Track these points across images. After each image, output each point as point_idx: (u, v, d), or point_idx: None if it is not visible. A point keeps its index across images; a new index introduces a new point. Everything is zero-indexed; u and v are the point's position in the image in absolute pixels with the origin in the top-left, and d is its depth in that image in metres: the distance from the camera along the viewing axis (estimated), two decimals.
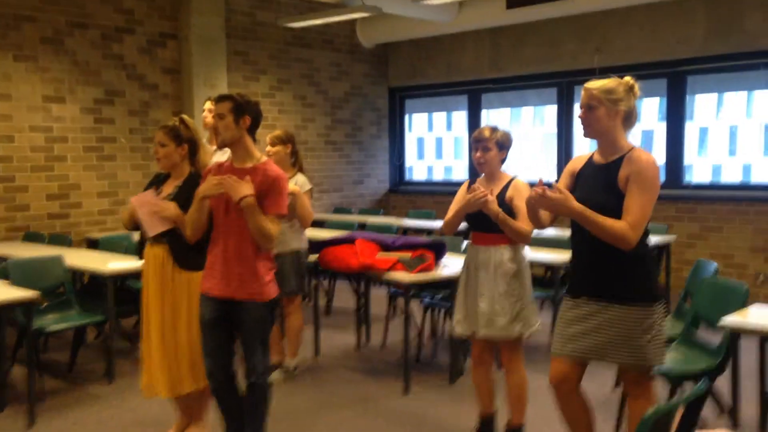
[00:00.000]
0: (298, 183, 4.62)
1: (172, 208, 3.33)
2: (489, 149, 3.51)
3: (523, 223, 3.39)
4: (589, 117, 2.80)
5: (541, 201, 2.74)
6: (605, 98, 2.76)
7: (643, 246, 2.78)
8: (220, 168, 3.22)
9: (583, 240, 2.86)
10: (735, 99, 7.43)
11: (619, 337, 2.76)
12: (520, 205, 3.41)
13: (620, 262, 2.76)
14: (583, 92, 2.82)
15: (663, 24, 7.41)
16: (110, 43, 7.09)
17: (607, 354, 2.80)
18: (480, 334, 3.49)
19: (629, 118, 2.82)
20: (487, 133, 3.52)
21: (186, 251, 3.37)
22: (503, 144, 3.55)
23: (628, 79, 2.82)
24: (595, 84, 2.80)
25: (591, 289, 2.83)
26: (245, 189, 2.98)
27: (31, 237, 6.40)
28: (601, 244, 2.76)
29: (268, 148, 4.68)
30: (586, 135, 2.86)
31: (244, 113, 3.12)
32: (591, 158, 2.91)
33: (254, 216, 3.00)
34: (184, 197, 3.35)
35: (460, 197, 3.59)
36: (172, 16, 7.54)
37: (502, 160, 3.58)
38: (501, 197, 3.46)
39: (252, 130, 3.18)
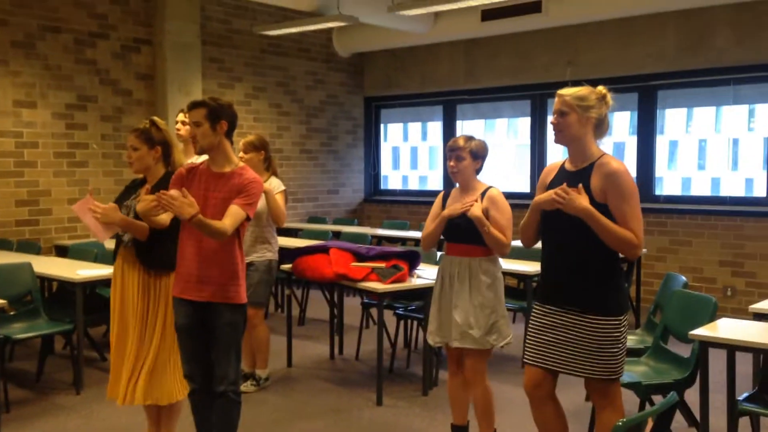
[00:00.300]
0: (271, 185, 4.61)
1: (110, 213, 3.24)
2: (463, 158, 3.53)
3: (506, 237, 3.42)
4: (560, 123, 2.84)
5: (551, 203, 2.75)
6: (577, 105, 2.81)
7: (615, 258, 2.83)
8: (192, 171, 3.18)
9: (555, 248, 2.90)
10: (704, 114, 7.57)
11: (588, 349, 2.80)
12: (497, 216, 3.43)
13: (594, 272, 2.80)
14: (556, 98, 2.87)
15: (634, 39, 7.53)
16: (83, 47, 7.01)
17: (576, 367, 2.83)
18: (453, 345, 3.50)
19: (600, 126, 2.87)
20: (461, 142, 3.54)
21: (150, 251, 3.33)
22: (477, 153, 3.55)
23: (600, 88, 2.88)
24: (568, 91, 2.85)
25: (562, 298, 2.86)
26: (190, 208, 2.86)
27: None
28: (576, 253, 2.80)
29: (241, 154, 4.66)
30: (557, 141, 2.91)
31: (219, 118, 3.09)
32: (562, 166, 2.96)
33: (205, 228, 2.93)
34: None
35: (437, 210, 3.61)
36: (147, 22, 7.48)
37: (477, 170, 3.59)
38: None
39: (229, 134, 3.16)
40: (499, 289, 3.53)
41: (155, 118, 3.54)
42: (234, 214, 3.01)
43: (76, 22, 6.94)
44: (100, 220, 3.24)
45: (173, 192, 2.93)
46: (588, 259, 2.80)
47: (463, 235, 3.45)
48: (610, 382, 2.86)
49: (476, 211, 3.38)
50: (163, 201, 2.86)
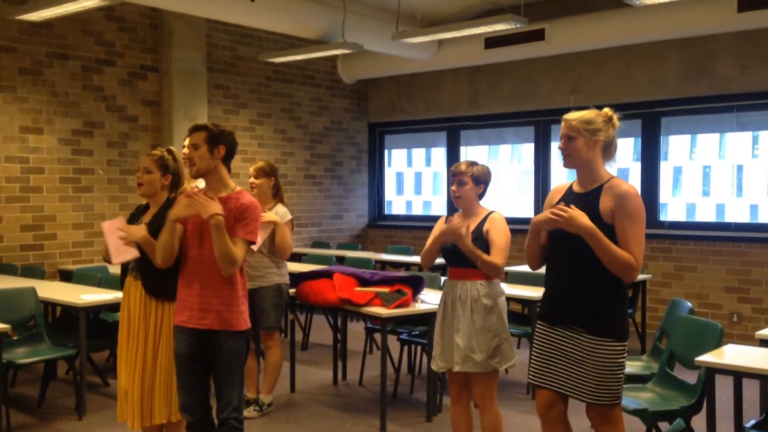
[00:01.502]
0: (278, 213, 4.61)
1: (136, 232, 3.25)
2: (465, 183, 3.54)
3: (496, 256, 3.42)
4: (568, 147, 2.85)
5: (549, 222, 2.75)
6: (583, 128, 2.82)
7: (620, 282, 2.82)
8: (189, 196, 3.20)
9: (562, 268, 2.89)
10: (708, 140, 7.59)
11: (593, 373, 2.79)
12: (496, 238, 3.44)
13: (600, 293, 2.80)
14: (562, 123, 2.88)
15: (637, 66, 7.58)
16: (90, 74, 7.08)
17: (582, 392, 2.81)
18: (455, 369, 3.48)
19: (608, 149, 2.87)
20: (463, 167, 3.56)
21: (156, 279, 3.33)
22: (479, 178, 3.56)
23: (606, 110, 2.89)
24: (574, 115, 2.86)
25: (567, 318, 2.86)
26: (214, 207, 2.94)
27: (3, 269, 6.29)
28: (582, 274, 2.81)
29: (252, 179, 4.67)
30: (565, 165, 2.91)
31: (218, 143, 3.11)
32: (570, 187, 2.96)
33: (221, 237, 2.94)
34: (158, 222, 3.31)
35: (437, 232, 3.61)
36: (154, 49, 7.56)
37: (480, 195, 3.60)
38: (478, 231, 3.48)
39: (227, 159, 3.17)
40: (502, 312, 3.51)
41: (173, 148, 3.59)
42: (240, 245, 3.03)
43: (83, 49, 7.03)
44: (128, 238, 3.25)
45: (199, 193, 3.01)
46: (592, 281, 2.80)
47: (463, 259, 3.45)
48: (614, 406, 2.84)
49: (465, 240, 3.36)
50: (194, 200, 2.94)
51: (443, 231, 3.45)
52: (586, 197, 2.83)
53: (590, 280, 2.80)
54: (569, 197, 2.91)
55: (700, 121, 7.45)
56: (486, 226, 3.48)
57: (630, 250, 2.72)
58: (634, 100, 7.57)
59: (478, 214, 3.57)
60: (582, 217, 2.71)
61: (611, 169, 2.92)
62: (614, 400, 2.81)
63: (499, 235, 3.47)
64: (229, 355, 3.08)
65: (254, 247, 3.25)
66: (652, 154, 7.62)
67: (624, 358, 2.82)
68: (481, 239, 3.45)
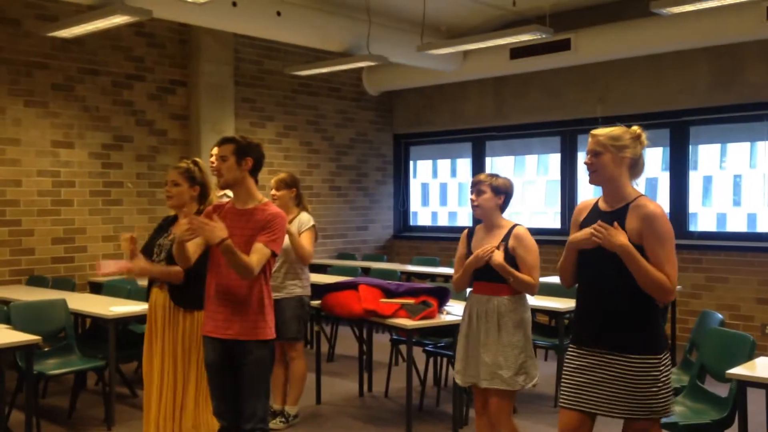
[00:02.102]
0: (301, 221, 4.63)
1: (143, 272, 3.39)
2: (483, 192, 3.52)
3: (530, 275, 3.39)
4: (595, 163, 2.82)
5: (590, 242, 2.73)
6: (611, 145, 2.79)
7: (654, 301, 2.77)
8: (218, 209, 3.24)
9: (590, 287, 2.86)
10: (738, 149, 7.47)
11: (627, 389, 2.73)
12: (524, 256, 3.41)
13: (630, 311, 2.75)
14: (590, 138, 2.86)
15: (665, 75, 7.51)
16: (120, 89, 7.20)
17: (614, 408, 2.76)
18: (483, 385, 3.45)
19: (635, 166, 2.84)
20: (482, 177, 3.55)
21: (180, 289, 3.38)
22: (499, 189, 3.52)
23: (635, 128, 2.86)
24: (602, 131, 2.83)
25: (597, 339, 2.81)
26: (219, 232, 2.93)
27: (35, 281, 6.40)
28: (612, 292, 2.77)
29: (273, 191, 4.71)
30: (591, 181, 2.88)
31: (246, 155, 3.15)
32: (596, 205, 2.93)
33: (233, 257, 2.96)
34: None
35: (462, 252, 3.59)
36: (182, 64, 7.68)
37: (501, 207, 3.55)
38: (504, 246, 3.45)
39: (254, 171, 3.21)
40: (527, 329, 3.48)
41: (198, 159, 3.63)
42: (259, 250, 3.04)
43: (114, 65, 7.15)
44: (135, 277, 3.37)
45: (203, 218, 3.02)
46: (624, 298, 2.75)
47: (490, 274, 3.43)
48: (652, 422, 2.78)
49: (498, 258, 3.36)
50: (194, 224, 2.94)
51: (472, 260, 3.44)
52: (614, 216, 2.79)
53: (618, 298, 2.75)
54: (595, 215, 2.88)
55: (730, 129, 7.34)
56: (512, 243, 3.44)
57: (664, 271, 2.69)
58: (663, 109, 7.49)
59: (501, 226, 3.54)
60: (621, 235, 2.69)
61: (638, 186, 2.89)
62: (649, 414, 2.74)
63: (528, 253, 3.43)
64: (254, 365, 3.10)
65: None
66: (681, 163, 7.52)
67: (660, 371, 2.73)
68: (508, 256, 3.43)
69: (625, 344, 2.74)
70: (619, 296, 2.76)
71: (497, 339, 3.41)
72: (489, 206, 3.53)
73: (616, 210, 2.81)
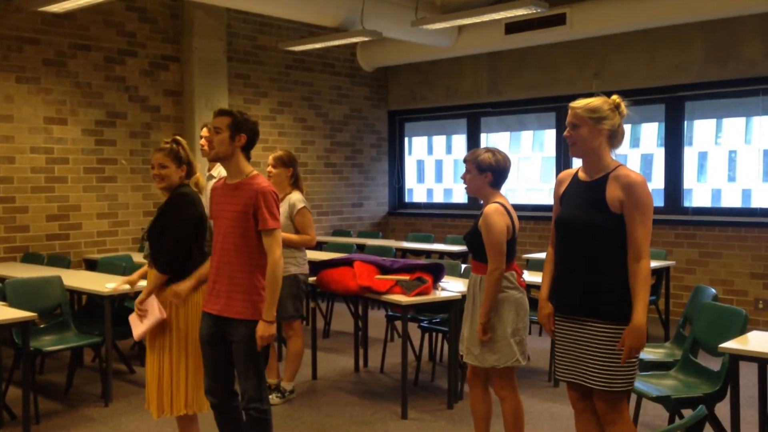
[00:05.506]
0: (291, 202, 4.61)
1: (178, 297, 3.36)
2: (468, 171, 3.51)
3: (489, 259, 3.35)
4: (573, 135, 2.83)
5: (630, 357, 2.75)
6: (588, 117, 2.79)
7: (625, 266, 2.78)
8: (216, 187, 3.29)
9: (568, 257, 2.89)
10: (733, 125, 7.47)
11: (603, 358, 2.78)
12: (484, 235, 3.37)
13: (607, 280, 2.78)
14: (569, 111, 2.85)
15: (661, 50, 7.47)
16: (113, 65, 7.14)
17: (594, 378, 2.80)
18: (463, 360, 3.55)
19: (614, 137, 2.84)
20: (468, 155, 3.52)
21: (161, 257, 3.40)
22: (482, 166, 3.42)
23: (614, 97, 2.85)
24: (580, 103, 2.83)
25: (577, 306, 2.86)
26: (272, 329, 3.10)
27: (30, 258, 6.39)
28: (588, 263, 2.81)
29: (269, 168, 4.68)
30: (572, 154, 2.90)
31: (240, 130, 3.13)
32: (575, 176, 2.94)
33: (274, 290, 3.13)
34: (170, 210, 3.39)
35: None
36: (175, 39, 7.60)
37: (492, 184, 3.46)
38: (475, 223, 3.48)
39: (246, 148, 3.19)
40: (505, 310, 3.39)
41: (178, 137, 3.59)
42: (271, 237, 3.08)
43: (105, 40, 7.08)
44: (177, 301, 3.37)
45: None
46: (598, 266, 2.78)
47: (476, 251, 3.47)
48: (621, 395, 2.82)
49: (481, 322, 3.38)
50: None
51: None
52: (593, 186, 2.82)
53: (594, 267, 2.79)
54: (575, 186, 2.90)
55: (726, 105, 7.33)
56: (480, 221, 3.41)
57: (636, 235, 2.71)
58: (658, 84, 7.47)
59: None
60: (639, 332, 2.68)
61: (628, 159, 2.90)
62: (625, 386, 2.79)
63: (488, 233, 3.34)
64: (244, 343, 3.10)
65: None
66: (677, 139, 7.52)
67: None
68: (477, 234, 3.41)
69: (603, 311, 2.78)
70: (593, 264, 2.79)
71: (472, 315, 3.47)
72: (475, 186, 3.48)
73: (596, 180, 2.82)
